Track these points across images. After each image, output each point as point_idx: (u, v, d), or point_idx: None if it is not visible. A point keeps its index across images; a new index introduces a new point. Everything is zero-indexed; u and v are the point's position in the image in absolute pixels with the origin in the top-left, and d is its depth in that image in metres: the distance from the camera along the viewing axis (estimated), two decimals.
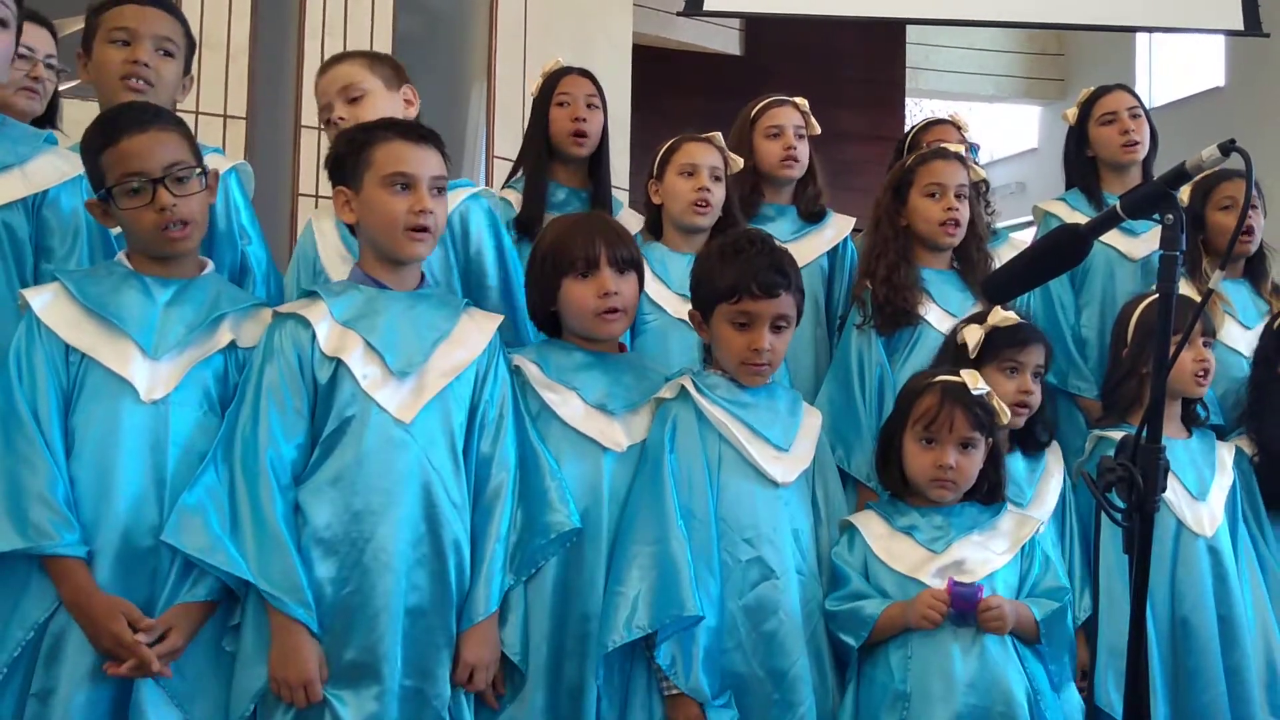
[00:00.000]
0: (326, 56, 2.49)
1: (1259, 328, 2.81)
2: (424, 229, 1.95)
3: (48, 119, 2.60)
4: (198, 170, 1.92)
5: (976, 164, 2.80)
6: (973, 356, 2.31)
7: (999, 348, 2.34)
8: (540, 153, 2.78)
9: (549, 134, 2.79)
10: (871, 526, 2.18)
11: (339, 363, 1.90)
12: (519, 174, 2.85)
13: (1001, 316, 2.35)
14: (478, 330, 2.02)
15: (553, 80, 2.82)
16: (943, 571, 2.08)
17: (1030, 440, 2.43)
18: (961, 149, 2.72)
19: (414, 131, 2.02)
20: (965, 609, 2.01)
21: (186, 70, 2.24)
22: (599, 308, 2.08)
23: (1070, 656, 2.18)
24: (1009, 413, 2.22)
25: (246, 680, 1.83)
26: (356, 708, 1.82)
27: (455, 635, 1.91)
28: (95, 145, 1.91)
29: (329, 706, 1.81)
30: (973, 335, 2.35)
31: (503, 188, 2.92)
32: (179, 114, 2.08)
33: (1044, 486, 2.40)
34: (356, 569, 1.85)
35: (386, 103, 2.30)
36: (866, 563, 2.14)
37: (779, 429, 2.14)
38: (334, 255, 2.25)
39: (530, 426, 2.04)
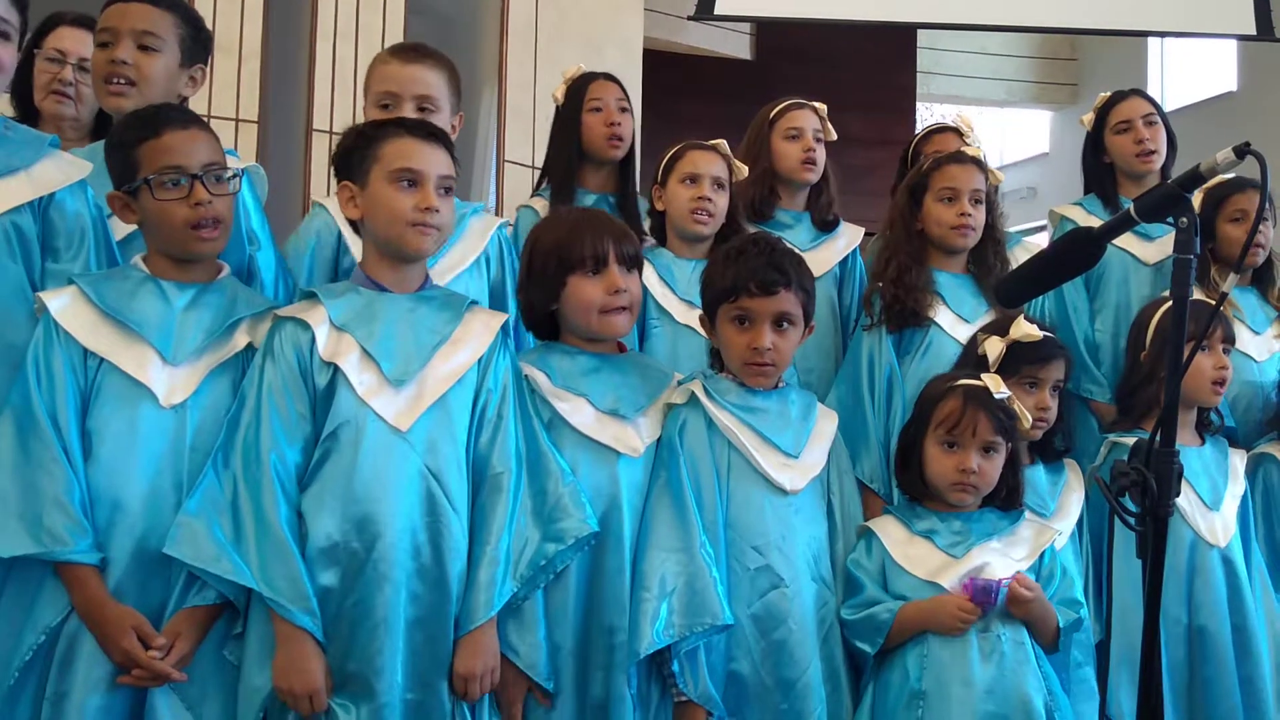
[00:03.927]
0: (339, 60, 2.49)
1: (1268, 333, 2.81)
2: (430, 226, 1.93)
3: (106, 126, 2.46)
4: (230, 174, 1.94)
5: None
6: (993, 370, 2.28)
7: (1020, 363, 2.32)
8: (570, 159, 2.78)
9: (580, 140, 2.78)
10: (890, 531, 2.17)
11: (336, 368, 1.88)
12: (546, 182, 2.85)
13: (1024, 331, 2.32)
14: (483, 328, 1.99)
15: (581, 86, 2.82)
16: (963, 578, 2.07)
17: (1049, 450, 2.42)
18: (980, 153, 2.71)
19: (423, 129, 2.00)
20: (985, 603, 2.00)
21: (190, 62, 2.19)
22: (607, 305, 2.06)
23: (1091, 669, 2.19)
24: (1030, 418, 2.21)
25: (252, 688, 1.81)
26: None
27: None
28: (130, 139, 1.90)
29: (331, 715, 1.79)
30: (993, 348, 2.32)
31: (533, 195, 2.93)
32: None
33: (1066, 499, 2.38)
34: (359, 580, 1.81)
35: (445, 124, 2.26)
36: (884, 568, 2.13)
37: (789, 435, 2.13)
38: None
39: (540, 429, 2.01)
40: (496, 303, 2.31)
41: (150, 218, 1.90)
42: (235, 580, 1.78)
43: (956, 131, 3.14)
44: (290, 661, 1.77)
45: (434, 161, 1.95)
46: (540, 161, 3.03)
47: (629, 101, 2.85)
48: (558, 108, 2.87)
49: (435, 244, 1.98)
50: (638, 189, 2.96)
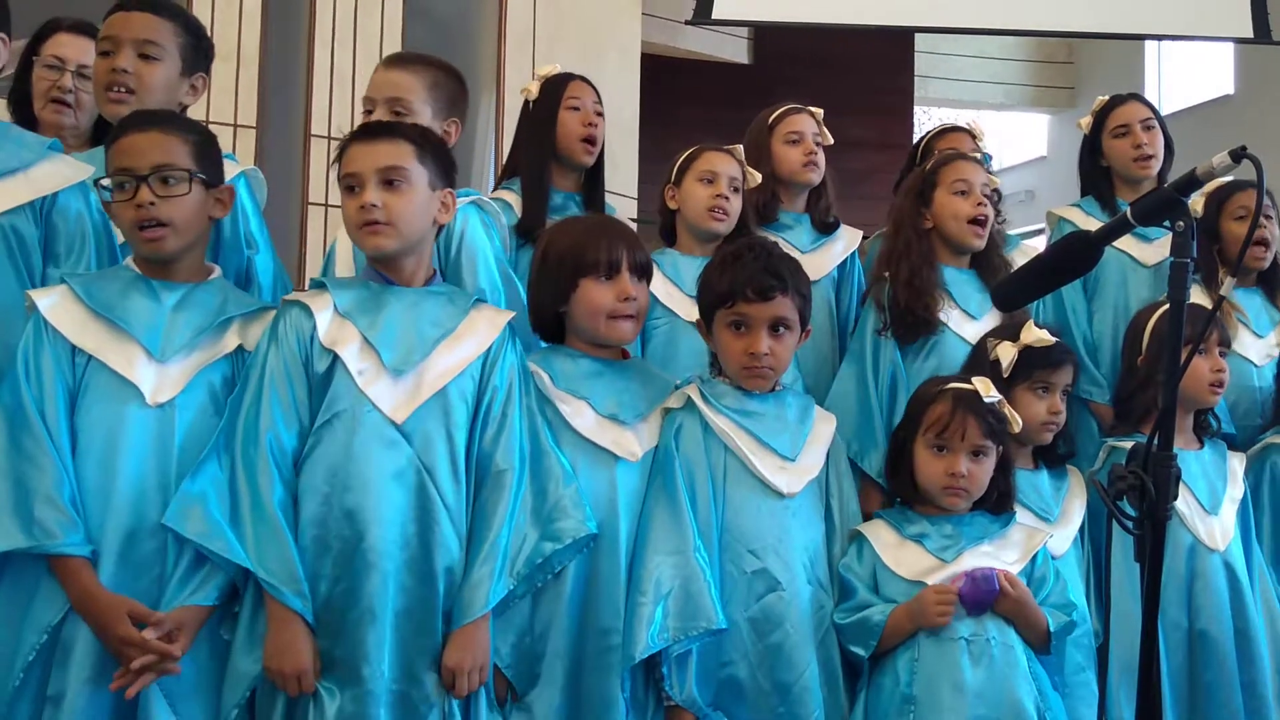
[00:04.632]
0: (337, 65, 2.48)
1: (1269, 338, 2.80)
2: (373, 222, 1.92)
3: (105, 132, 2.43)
4: (192, 177, 1.91)
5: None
6: (1005, 376, 2.28)
7: (1032, 368, 2.31)
8: (544, 156, 2.75)
9: (555, 138, 2.77)
10: (880, 535, 2.17)
11: (335, 356, 1.89)
12: (513, 176, 2.81)
13: (1036, 336, 2.31)
14: (488, 325, 1.99)
15: (559, 85, 2.79)
16: (955, 578, 2.07)
17: (1053, 455, 2.41)
18: (979, 155, 2.71)
19: (363, 129, 2.01)
20: (982, 594, 2.01)
21: (190, 71, 2.19)
22: (616, 311, 2.07)
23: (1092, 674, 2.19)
24: (1020, 422, 2.21)
25: (238, 674, 1.83)
26: (337, 707, 1.80)
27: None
28: (108, 142, 1.94)
29: (317, 698, 1.80)
30: (1006, 354, 2.32)
31: (496, 189, 2.87)
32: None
33: (1069, 505, 2.38)
34: (348, 567, 1.83)
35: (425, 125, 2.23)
36: (875, 572, 2.13)
37: (786, 438, 2.13)
38: (347, 272, 2.23)
39: (545, 428, 2.02)
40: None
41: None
42: (230, 559, 1.80)
43: (970, 135, 3.15)
44: (281, 643, 1.80)
45: (369, 157, 1.94)
46: None
47: (603, 108, 2.83)
48: (528, 103, 2.80)
49: (388, 240, 1.94)
50: (632, 192, 2.94)
